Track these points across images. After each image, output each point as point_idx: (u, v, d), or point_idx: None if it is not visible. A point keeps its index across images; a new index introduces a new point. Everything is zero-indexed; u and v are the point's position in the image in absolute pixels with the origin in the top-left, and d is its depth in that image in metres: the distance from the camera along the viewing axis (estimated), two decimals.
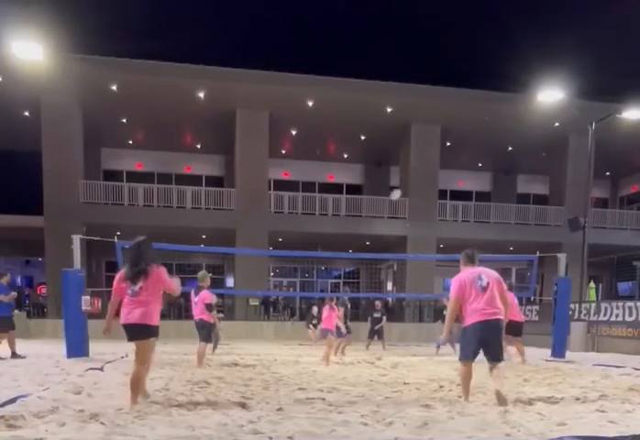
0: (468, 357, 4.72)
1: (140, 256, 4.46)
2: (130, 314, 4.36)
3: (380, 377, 6.99)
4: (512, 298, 7.98)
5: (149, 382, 5.96)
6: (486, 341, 4.61)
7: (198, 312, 8.16)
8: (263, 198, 19.94)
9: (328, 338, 9.21)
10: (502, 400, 4.58)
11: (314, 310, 14.48)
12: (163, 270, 4.50)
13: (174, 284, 4.61)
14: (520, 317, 9.43)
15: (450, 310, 4.81)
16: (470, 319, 4.64)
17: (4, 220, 20.30)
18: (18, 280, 24.28)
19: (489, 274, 4.77)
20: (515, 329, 8.83)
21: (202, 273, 8.52)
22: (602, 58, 39.48)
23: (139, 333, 4.38)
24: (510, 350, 8.98)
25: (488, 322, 4.57)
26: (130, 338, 4.42)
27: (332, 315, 9.39)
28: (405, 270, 20.39)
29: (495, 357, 4.67)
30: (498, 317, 4.61)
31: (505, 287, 4.90)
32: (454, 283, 4.79)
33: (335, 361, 9.38)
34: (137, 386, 4.44)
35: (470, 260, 4.90)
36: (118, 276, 4.50)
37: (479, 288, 4.66)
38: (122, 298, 4.47)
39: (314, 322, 14.15)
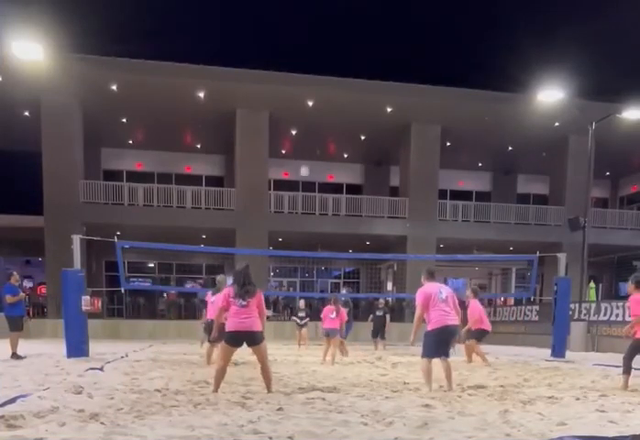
0: (432, 355, 5.58)
1: (248, 278, 5.19)
2: (242, 323, 5.04)
3: (380, 377, 6.99)
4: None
5: (149, 382, 5.97)
6: (446, 342, 5.60)
7: (212, 312, 8.32)
8: (263, 198, 19.95)
9: (335, 338, 9.20)
10: (450, 385, 5.60)
11: (301, 303, 14.51)
12: (262, 295, 5.27)
13: (265, 310, 5.34)
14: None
15: (418, 316, 5.65)
16: (435, 324, 5.49)
17: (4, 220, 20.29)
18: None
19: (446, 289, 5.74)
20: None
21: (221, 277, 8.95)
22: (602, 58, 39.47)
23: (254, 339, 5.08)
24: None
25: (449, 327, 5.51)
26: (238, 344, 5.13)
27: (342, 316, 9.42)
28: (405, 270, 20.39)
29: (447, 353, 5.66)
30: (455, 323, 5.60)
31: (457, 301, 5.77)
32: (420, 294, 5.64)
33: (335, 361, 9.38)
34: (270, 376, 5.31)
35: (432, 276, 5.80)
36: (227, 292, 5.20)
37: (440, 299, 5.54)
38: (227, 311, 5.18)
39: (301, 315, 14.14)
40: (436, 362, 5.64)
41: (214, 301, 8.26)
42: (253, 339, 5.09)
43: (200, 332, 12.56)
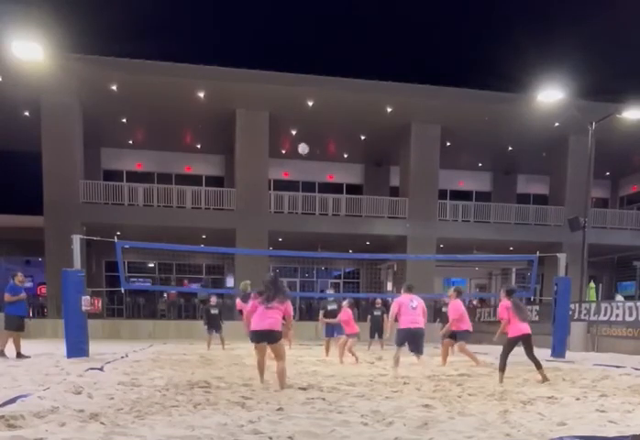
0: (399, 345, 7.59)
1: (275, 287, 5.78)
2: (264, 323, 5.61)
3: (380, 377, 6.99)
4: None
5: (149, 382, 5.97)
6: (411, 340, 7.54)
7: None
8: (263, 198, 19.94)
9: (352, 340, 9.28)
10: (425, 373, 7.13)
11: None
12: (290, 304, 5.93)
13: (292, 316, 6.19)
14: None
15: (390, 319, 7.91)
16: (402, 325, 7.50)
17: (4, 220, 20.29)
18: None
19: (418, 300, 7.59)
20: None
21: (244, 283, 9.83)
22: (602, 58, 39.48)
23: (271, 337, 5.63)
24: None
25: (411, 329, 7.44)
26: (261, 341, 5.70)
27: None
28: (405, 270, 20.40)
29: (417, 350, 7.62)
30: (418, 326, 7.48)
31: (426, 309, 7.78)
32: (395, 303, 7.65)
33: (335, 361, 9.39)
34: (284, 373, 5.73)
35: (409, 290, 7.76)
36: (255, 299, 5.84)
37: (410, 308, 7.44)
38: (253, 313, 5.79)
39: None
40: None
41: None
42: (271, 337, 5.63)
43: (205, 333, 12.74)
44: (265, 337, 5.63)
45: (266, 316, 5.62)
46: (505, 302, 6.71)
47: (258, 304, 5.74)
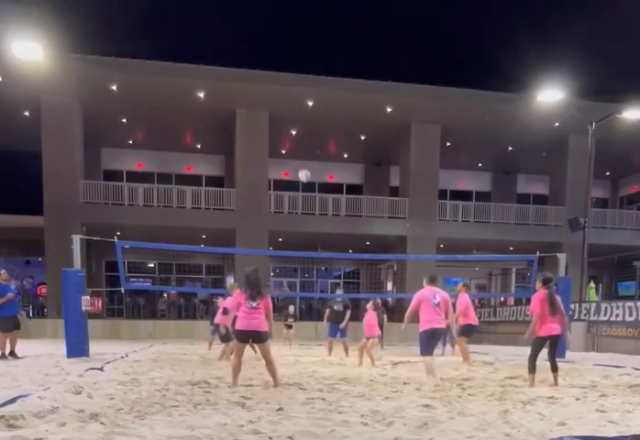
0: (429, 352, 6.60)
1: (258, 281, 5.76)
2: (250, 323, 5.65)
3: (380, 377, 6.99)
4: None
5: (149, 382, 5.97)
6: (435, 340, 6.72)
7: (219, 317, 9.55)
8: (263, 198, 19.94)
9: (372, 341, 8.90)
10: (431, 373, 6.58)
11: (291, 309, 14.62)
12: (269, 298, 5.86)
13: (272, 312, 5.97)
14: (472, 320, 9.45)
15: (408, 312, 6.72)
16: (424, 326, 6.46)
17: (4, 220, 20.29)
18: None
19: (441, 294, 6.58)
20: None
21: (231, 284, 10.19)
22: (602, 58, 39.48)
23: (259, 337, 5.70)
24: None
25: (435, 329, 6.49)
26: (245, 340, 5.82)
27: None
28: (405, 270, 20.39)
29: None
30: (441, 326, 6.56)
31: (450, 303, 6.90)
32: (416, 296, 6.63)
33: (335, 361, 9.40)
34: (274, 371, 5.84)
35: (432, 281, 6.70)
36: (238, 294, 5.84)
37: (432, 304, 6.43)
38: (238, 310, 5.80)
39: (290, 320, 14.41)
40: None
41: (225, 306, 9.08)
42: (259, 338, 5.70)
43: (207, 333, 12.73)
44: (251, 337, 5.74)
45: (251, 317, 5.66)
46: (541, 294, 6.02)
47: (243, 302, 5.70)
